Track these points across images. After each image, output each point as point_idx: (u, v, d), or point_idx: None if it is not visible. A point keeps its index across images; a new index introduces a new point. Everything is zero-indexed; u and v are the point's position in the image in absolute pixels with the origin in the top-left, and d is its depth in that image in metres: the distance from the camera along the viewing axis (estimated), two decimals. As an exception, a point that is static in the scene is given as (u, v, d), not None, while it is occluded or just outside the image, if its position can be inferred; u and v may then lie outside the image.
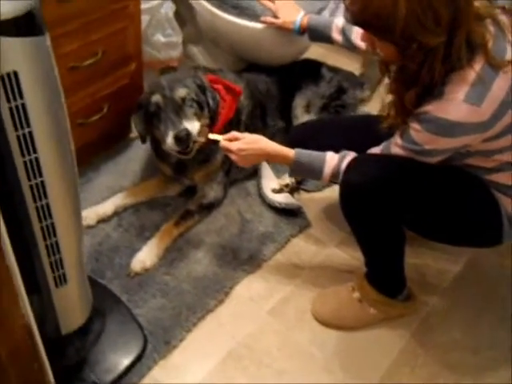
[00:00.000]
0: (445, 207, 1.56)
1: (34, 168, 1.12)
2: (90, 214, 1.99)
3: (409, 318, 1.85)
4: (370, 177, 1.50)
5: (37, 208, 1.19)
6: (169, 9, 2.27)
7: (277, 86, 2.29)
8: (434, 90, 1.41)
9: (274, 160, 1.73)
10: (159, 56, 2.31)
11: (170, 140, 1.82)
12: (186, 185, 2.15)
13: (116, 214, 2.05)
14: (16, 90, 1.00)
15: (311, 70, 2.37)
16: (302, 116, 2.28)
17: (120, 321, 1.75)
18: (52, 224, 1.24)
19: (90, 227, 2.00)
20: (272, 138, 2.20)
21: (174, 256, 1.95)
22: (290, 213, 2.12)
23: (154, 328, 1.74)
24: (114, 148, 2.28)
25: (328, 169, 1.63)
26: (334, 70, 2.40)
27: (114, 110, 2.08)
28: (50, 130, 1.12)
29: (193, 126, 1.84)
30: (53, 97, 1.10)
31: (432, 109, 1.41)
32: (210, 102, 1.96)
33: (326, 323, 1.82)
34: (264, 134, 2.18)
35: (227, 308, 1.85)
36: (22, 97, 1.02)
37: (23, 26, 0.97)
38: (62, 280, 1.37)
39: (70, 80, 1.85)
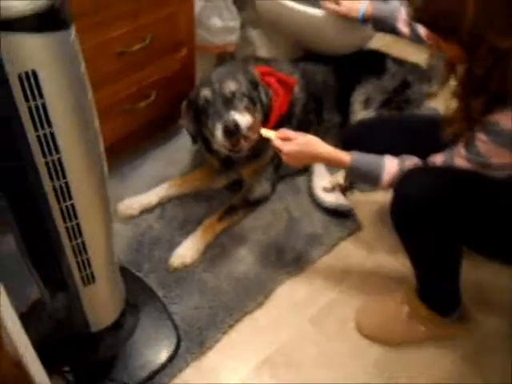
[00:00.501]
0: (509, 226, 1.41)
1: (57, 169, 1.07)
2: (133, 204, 1.95)
3: (461, 339, 1.70)
4: (426, 190, 1.37)
5: (61, 209, 1.14)
6: (227, -8, 2.17)
7: (335, 78, 2.15)
8: (504, 98, 1.25)
9: (327, 163, 1.63)
10: (215, 40, 2.21)
11: (219, 134, 1.73)
12: (233, 178, 2.06)
13: (160, 204, 1.99)
14: (35, 89, 0.94)
15: (374, 62, 2.22)
16: (360, 111, 2.13)
17: (154, 317, 1.70)
18: (78, 225, 1.19)
19: (132, 217, 1.95)
20: (327, 133, 2.13)
21: (215, 252, 1.88)
22: (340, 214, 2.00)
23: (188, 327, 1.69)
24: (161, 135, 2.21)
25: (387, 175, 1.50)
26: (400, 62, 2.23)
27: (163, 96, 2.01)
28: (74, 130, 1.05)
29: (243, 118, 1.75)
30: (77, 94, 1.03)
31: (501, 119, 1.26)
32: (263, 97, 1.87)
33: (369, 336, 1.71)
34: (318, 129, 2.11)
35: (266, 311, 1.77)
36: (42, 96, 0.95)
37: (42, 20, 0.90)
38: (89, 279, 1.33)
39: (118, 65, 1.80)
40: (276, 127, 1.90)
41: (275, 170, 2.03)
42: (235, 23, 2.24)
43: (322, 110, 2.12)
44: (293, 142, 1.57)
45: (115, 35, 1.71)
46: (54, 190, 1.09)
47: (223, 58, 2.44)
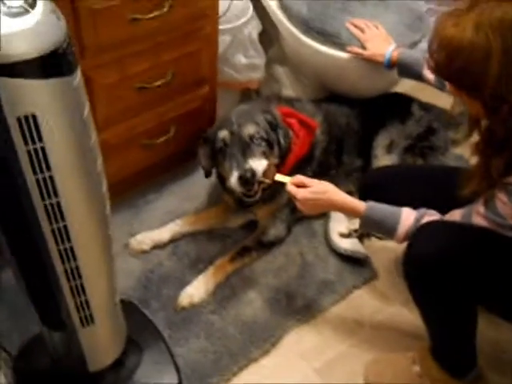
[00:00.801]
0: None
1: (56, 211, 1.05)
2: (145, 239, 1.93)
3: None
4: (441, 247, 1.31)
5: (59, 251, 1.12)
6: (253, 29, 2.16)
7: (358, 121, 2.11)
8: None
9: (342, 212, 1.58)
10: (239, 77, 2.20)
11: (233, 180, 1.71)
12: (249, 218, 2.03)
13: (172, 240, 1.96)
14: (35, 132, 0.92)
15: (400, 106, 2.16)
16: (382, 156, 2.07)
17: (157, 358, 1.66)
18: (77, 266, 1.17)
19: (144, 252, 1.93)
20: (347, 176, 2.08)
21: (224, 294, 1.84)
22: (355, 261, 1.94)
23: (191, 372, 1.65)
24: (179, 171, 2.19)
25: (402, 228, 1.44)
26: (426, 107, 2.17)
27: (182, 132, 1.99)
28: (75, 174, 1.04)
29: (259, 165, 1.72)
30: (79, 138, 1.01)
31: (522, 181, 1.20)
32: (281, 140, 1.83)
33: (378, 395, 1.63)
34: (339, 172, 2.06)
35: (272, 360, 1.71)
36: (41, 140, 0.94)
37: (45, 66, 0.88)
38: (88, 320, 1.30)
39: (137, 100, 1.79)
40: (295, 169, 1.89)
41: (292, 212, 1.98)
42: (260, 61, 2.23)
43: (342, 153, 2.08)
44: (307, 190, 1.53)
45: (135, 71, 1.71)
46: (53, 231, 1.07)
47: (248, 94, 2.43)
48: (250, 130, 1.76)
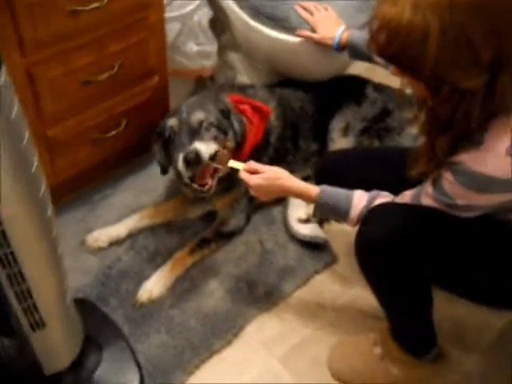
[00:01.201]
0: (479, 266, 1.35)
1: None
2: (101, 236, 1.89)
3: (439, 381, 1.63)
4: (389, 230, 1.30)
5: (-1, 256, 1.08)
6: (203, 16, 2.12)
7: (313, 105, 2.09)
8: (470, 136, 1.19)
9: (296, 197, 1.57)
10: (191, 65, 2.16)
11: (180, 163, 1.68)
12: (208, 209, 2.00)
13: (130, 236, 1.93)
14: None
15: (354, 88, 2.14)
16: (339, 139, 2.06)
17: (118, 357, 1.63)
18: (20, 271, 1.13)
19: (101, 249, 1.89)
20: (305, 161, 2.07)
21: (184, 286, 1.82)
22: (315, 246, 1.94)
23: (152, 368, 1.63)
24: (134, 164, 2.15)
25: (355, 211, 1.44)
26: (380, 89, 2.15)
27: (134, 125, 1.95)
28: (8, 176, 0.99)
29: (206, 148, 1.69)
30: (9, 140, 0.97)
31: (467, 159, 1.20)
32: (236, 126, 1.81)
33: (342, 379, 1.63)
34: (296, 157, 2.05)
35: (235, 351, 1.70)
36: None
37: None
38: (39, 324, 1.27)
39: (84, 95, 1.75)
40: (251, 156, 1.86)
41: (250, 201, 1.97)
42: (212, 48, 2.19)
43: (298, 138, 2.06)
44: (260, 176, 1.51)
45: (79, 65, 1.66)
46: (-10, 238, 1.04)
47: (202, 82, 2.39)
48: (198, 116, 1.73)
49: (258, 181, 1.51)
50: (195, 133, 1.71)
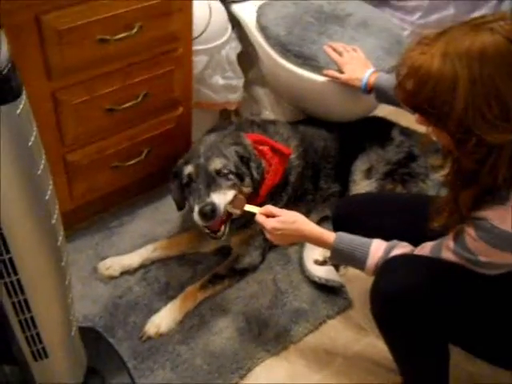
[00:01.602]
0: (501, 328, 1.29)
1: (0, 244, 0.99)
2: (113, 265, 1.87)
3: None
4: (406, 284, 1.26)
5: (5, 284, 1.06)
6: (232, 50, 2.13)
7: (336, 145, 2.06)
8: (496, 192, 1.15)
9: (312, 242, 1.53)
10: (216, 98, 2.15)
11: (195, 214, 1.65)
12: (222, 244, 1.97)
13: (142, 266, 1.91)
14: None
15: (380, 130, 2.12)
16: (361, 181, 2.02)
17: (119, 392, 1.60)
18: (25, 300, 1.11)
19: (112, 277, 1.87)
20: (323, 202, 2.03)
21: (193, 322, 1.78)
22: (330, 289, 1.88)
23: (155, 405, 1.59)
24: (153, 193, 2.14)
25: (372, 260, 1.39)
26: (407, 133, 2.12)
27: (155, 154, 1.94)
28: (20, 203, 0.98)
29: (222, 199, 1.66)
30: (24, 168, 0.96)
31: (491, 216, 1.16)
32: (254, 172, 1.78)
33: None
34: (315, 198, 2.01)
35: (241, 394, 1.65)
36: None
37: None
38: (41, 354, 1.24)
39: (107, 122, 1.75)
40: (270, 196, 1.84)
41: (266, 239, 1.93)
42: (238, 82, 2.19)
43: (319, 178, 2.03)
44: (275, 219, 1.49)
45: (104, 92, 1.67)
46: (-5, 263, 1.02)
47: (227, 115, 2.39)
48: (216, 164, 1.70)
49: (274, 224, 1.49)
50: (212, 181, 1.68)
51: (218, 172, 1.70)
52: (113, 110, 1.72)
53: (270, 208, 1.51)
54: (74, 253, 1.92)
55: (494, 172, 1.12)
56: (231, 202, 1.66)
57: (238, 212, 1.65)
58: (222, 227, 1.69)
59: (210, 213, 1.61)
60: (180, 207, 1.86)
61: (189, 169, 1.72)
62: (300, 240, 1.56)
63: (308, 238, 1.50)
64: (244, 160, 1.77)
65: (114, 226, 2.03)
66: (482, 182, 1.15)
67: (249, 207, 1.57)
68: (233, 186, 1.71)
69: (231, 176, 1.71)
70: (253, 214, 1.67)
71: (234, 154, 1.76)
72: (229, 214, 1.69)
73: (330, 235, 1.45)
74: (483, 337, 1.32)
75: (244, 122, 2.04)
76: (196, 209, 1.65)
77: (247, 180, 1.76)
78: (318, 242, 1.48)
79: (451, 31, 1.12)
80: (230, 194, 1.68)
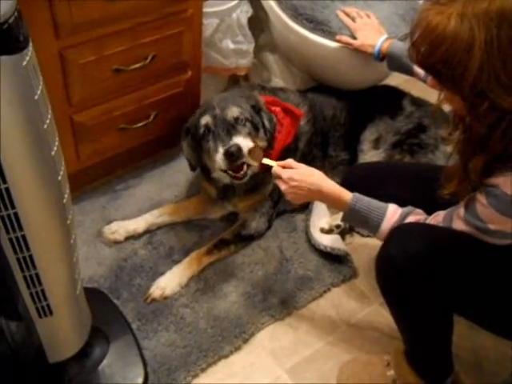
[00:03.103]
0: (505, 298, 1.28)
1: (5, 198, 0.99)
2: (119, 229, 1.86)
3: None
4: (411, 252, 1.24)
5: (10, 240, 1.06)
6: (242, 13, 2.09)
7: (346, 113, 2.04)
8: (506, 160, 1.13)
9: (327, 200, 1.49)
10: (226, 63, 2.13)
11: (219, 157, 1.64)
12: (229, 210, 1.96)
13: (148, 231, 1.90)
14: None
15: (390, 100, 2.09)
16: (369, 151, 2.01)
17: (123, 352, 1.61)
18: (30, 256, 1.11)
19: (117, 242, 1.87)
20: (332, 170, 2.01)
21: (198, 286, 1.79)
22: (335, 258, 1.88)
23: (158, 366, 1.60)
24: (161, 156, 2.13)
25: (387, 224, 1.37)
26: (418, 103, 2.09)
27: (163, 117, 1.93)
28: (25, 158, 0.97)
29: (245, 142, 1.65)
30: (30, 121, 0.94)
31: (502, 182, 1.14)
32: (266, 123, 1.77)
33: (349, 400, 1.58)
34: (323, 165, 1.99)
35: (243, 357, 1.66)
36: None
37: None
38: (46, 311, 1.25)
39: (114, 83, 1.73)
40: (279, 159, 1.82)
41: (273, 205, 1.93)
42: (249, 47, 2.15)
43: (327, 146, 2.01)
44: (293, 170, 1.46)
45: (112, 52, 1.65)
46: (2, 218, 1.01)
47: (236, 80, 2.36)
48: (234, 112, 1.69)
49: (291, 174, 1.44)
50: (232, 128, 1.67)
51: (236, 119, 1.69)
52: (120, 70, 1.69)
53: (290, 161, 1.49)
54: (80, 215, 1.92)
55: (505, 138, 1.10)
56: (249, 153, 1.64)
57: (255, 164, 1.64)
58: (245, 167, 1.66)
59: (236, 151, 1.60)
60: (193, 167, 1.85)
61: (206, 119, 1.70)
62: (315, 197, 1.49)
63: (324, 195, 1.45)
64: (256, 110, 1.76)
65: (121, 189, 2.03)
66: (492, 148, 1.13)
67: (267, 160, 1.55)
68: (250, 135, 1.69)
69: (248, 123, 1.71)
70: (263, 177, 1.66)
71: (247, 104, 1.75)
72: (247, 166, 1.67)
73: (347, 194, 1.42)
74: (487, 307, 1.31)
75: (254, 86, 2.02)
76: (221, 151, 1.63)
77: (261, 132, 1.76)
78: (334, 200, 1.44)
79: None
80: (250, 142, 1.67)
